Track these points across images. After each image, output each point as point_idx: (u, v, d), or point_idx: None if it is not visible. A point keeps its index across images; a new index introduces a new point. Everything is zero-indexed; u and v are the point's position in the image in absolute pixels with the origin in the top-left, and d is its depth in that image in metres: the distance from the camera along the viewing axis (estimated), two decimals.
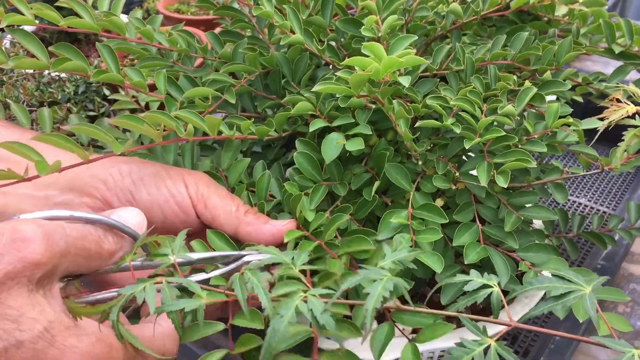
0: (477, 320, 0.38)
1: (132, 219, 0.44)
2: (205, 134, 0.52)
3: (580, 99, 0.66)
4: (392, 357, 0.55)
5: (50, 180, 0.46)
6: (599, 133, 0.52)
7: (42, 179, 0.46)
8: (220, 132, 0.53)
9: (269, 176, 0.55)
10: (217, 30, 1.09)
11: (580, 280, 0.38)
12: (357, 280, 0.36)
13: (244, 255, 0.48)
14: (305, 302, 0.35)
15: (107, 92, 0.94)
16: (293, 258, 0.41)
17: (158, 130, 0.46)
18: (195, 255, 0.46)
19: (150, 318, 0.41)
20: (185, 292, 0.40)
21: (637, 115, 0.52)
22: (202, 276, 0.46)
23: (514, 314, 0.58)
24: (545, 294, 0.57)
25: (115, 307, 0.36)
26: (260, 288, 0.37)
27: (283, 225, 0.50)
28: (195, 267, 0.47)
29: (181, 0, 1.30)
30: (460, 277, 0.40)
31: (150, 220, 0.49)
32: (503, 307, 0.39)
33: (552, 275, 0.39)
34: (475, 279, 0.39)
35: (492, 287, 0.39)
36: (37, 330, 0.34)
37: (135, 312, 0.46)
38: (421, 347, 0.40)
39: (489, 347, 0.36)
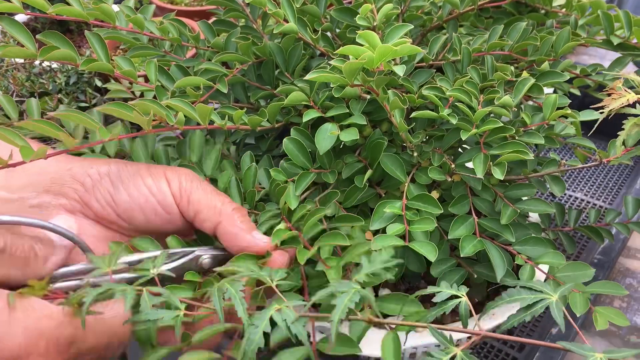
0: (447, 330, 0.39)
1: (65, 223, 0.44)
2: (197, 124, 0.51)
3: (577, 92, 0.65)
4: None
5: (26, 182, 0.46)
6: (598, 122, 0.51)
7: (17, 181, 0.45)
8: (212, 122, 0.52)
9: (255, 168, 0.54)
10: (212, 21, 1.08)
11: (547, 289, 0.39)
12: (327, 293, 0.36)
13: (194, 251, 0.47)
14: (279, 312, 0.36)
15: (99, 82, 0.93)
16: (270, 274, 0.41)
17: (148, 118, 0.45)
18: (136, 257, 0.45)
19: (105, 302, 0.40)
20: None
21: (637, 104, 0.51)
22: (155, 271, 0.45)
23: (497, 315, 0.57)
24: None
25: (89, 294, 0.36)
26: (237, 299, 0.37)
27: (264, 243, 0.48)
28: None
29: None
30: (431, 289, 0.41)
31: (132, 221, 0.48)
32: (472, 316, 0.40)
33: (520, 287, 0.41)
34: (444, 290, 0.41)
35: (461, 297, 0.40)
36: None
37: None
38: (405, 345, 0.40)
39: (455, 356, 0.36)
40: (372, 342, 0.45)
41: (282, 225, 0.50)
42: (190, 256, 0.47)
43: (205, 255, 0.48)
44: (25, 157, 0.40)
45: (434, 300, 0.40)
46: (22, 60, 0.90)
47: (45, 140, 0.83)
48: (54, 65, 0.92)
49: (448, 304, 0.40)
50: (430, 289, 0.40)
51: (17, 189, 0.45)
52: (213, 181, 0.57)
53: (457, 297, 0.40)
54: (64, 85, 0.90)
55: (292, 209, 0.50)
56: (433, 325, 0.38)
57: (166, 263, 0.46)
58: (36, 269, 0.40)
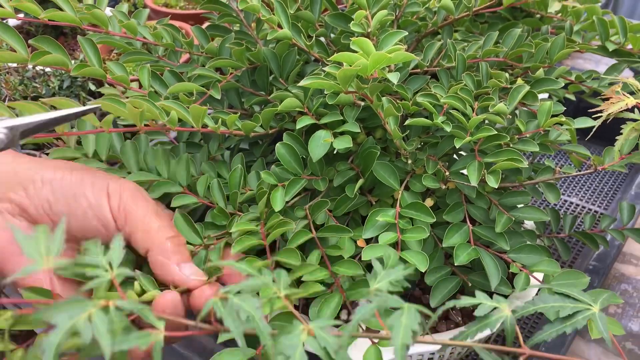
0: (491, 350, 0.35)
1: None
2: (188, 125, 0.51)
3: (572, 97, 0.65)
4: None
5: None
6: (595, 128, 0.51)
7: None
8: (205, 125, 0.51)
9: (241, 169, 0.54)
10: (206, 25, 1.08)
11: (586, 298, 0.36)
12: (371, 309, 0.32)
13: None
14: (312, 335, 0.31)
15: (92, 86, 0.92)
16: (274, 280, 0.36)
17: (140, 111, 0.45)
18: (28, 119, 0.40)
19: None
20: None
21: (636, 109, 0.51)
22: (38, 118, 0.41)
23: None
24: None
25: (50, 347, 0.27)
26: (257, 321, 0.31)
27: (193, 280, 0.45)
28: None
29: None
30: (467, 300, 0.36)
31: (69, 232, 0.45)
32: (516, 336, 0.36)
33: (557, 293, 0.37)
34: (484, 301, 0.36)
35: (504, 312, 0.36)
36: None
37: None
38: (412, 350, 0.38)
39: None
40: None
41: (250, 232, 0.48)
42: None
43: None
44: None
45: (476, 314, 0.36)
46: (15, 64, 0.90)
47: (39, 148, 0.83)
48: (48, 69, 0.92)
49: (491, 318, 0.35)
50: (465, 300, 0.36)
51: None
52: (192, 189, 0.56)
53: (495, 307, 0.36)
54: (57, 89, 0.89)
55: (277, 210, 0.50)
56: (474, 343, 0.34)
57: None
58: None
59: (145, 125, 0.48)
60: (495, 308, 0.37)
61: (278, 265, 0.48)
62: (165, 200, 0.55)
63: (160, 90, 0.58)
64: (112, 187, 0.46)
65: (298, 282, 0.49)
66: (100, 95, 0.90)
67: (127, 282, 0.45)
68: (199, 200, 0.54)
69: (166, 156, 0.56)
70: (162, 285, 0.45)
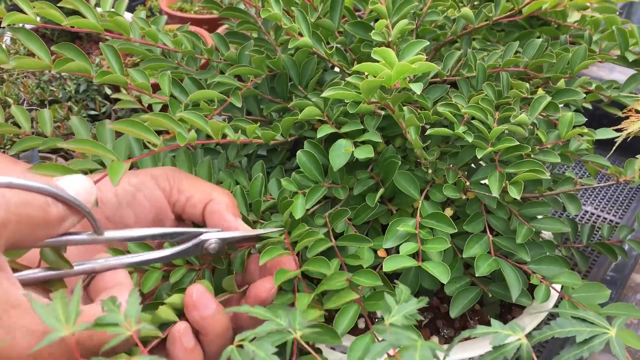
0: None
1: (79, 185, 0.39)
2: (209, 137, 0.51)
3: (589, 106, 0.65)
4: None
5: None
6: (616, 145, 0.50)
7: None
8: (224, 136, 0.51)
9: (262, 178, 0.54)
10: (221, 29, 1.08)
11: (603, 322, 0.36)
12: (385, 347, 0.33)
13: (201, 233, 0.46)
14: None
15: (108, 91, 0.93)
16: (289, 320, 0.36)
17: (160, 139, 0.45)
18: (142, 232, 0.43)
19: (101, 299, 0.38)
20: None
21: None
22: (157, 254, 0.44)
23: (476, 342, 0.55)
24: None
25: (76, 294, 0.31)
26: None
27: (241, 227, 0.48)
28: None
29: None
30: (483, 329, 0.36)
31: (121, 221, 0.47)
32: None
33: (572, 317, 0.37)
34: (499, 330, 0.36)
35: (520, 340, 0.36)
36: None
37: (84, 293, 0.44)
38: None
39: None
40: None
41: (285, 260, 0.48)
42: (196, 240, 0.46)
43: (212, 239, 0.46)
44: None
45: (491, 344, 0.36)
46: None
47: (55, 151, 0.83)
48: (64, 73, 0.92)
49: (507, 347, 0.35)
50: (481, 330, 0.36)
51: None
52: None
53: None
54: (73, 93, 0.90)
55: (297, 218, 0.50)
56: None
57: (170, 248, 0.45)
58: (48, 232, 0.37)
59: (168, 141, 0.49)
60: (510, 336, 0.36)
61: (304, 275, 0.48)
62: None
63: (180, 97, 0.58)
64: (155, 171, 0.49)
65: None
66: (116, 100, 0.90)
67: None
68: None
69: (190, 162, 0.56)
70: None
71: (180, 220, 0.50)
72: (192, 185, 0.49)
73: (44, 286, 0.40)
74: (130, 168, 0.60)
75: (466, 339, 0.54)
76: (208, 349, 0.43)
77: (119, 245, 0.46)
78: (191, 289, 0.43)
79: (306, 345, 0.35)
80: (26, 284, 0.38)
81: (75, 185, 0.39)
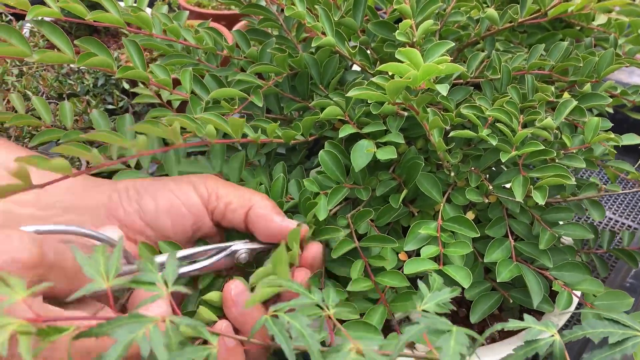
0: None
1: (114, 234, 0.44)
2: (227, 136, 0.51)
3: (611, 110, 0.64)
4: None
5: (53, 200, 0.46)
6: None
7: (44, 200, 0.46)
8: (245, 135, 0.51)
9: (284, 179, 0.54)
10: (241, 25, 1.08)
11: (635, 324, 0.36)
12: (420, 329, 0.32)
13: (230, 246, 0.47)
14: (362, 355, 0.31)
15: (126, 85, 0.93)
16: (323, 299, 0.36)
17: (179, 134, 0.45)
18: (177, 254, 0.44)
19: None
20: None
21: None
22: (190, 267, 0.45)
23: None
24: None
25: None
26: (308, 339, 0.31)
27: (295, 225, 0.48)
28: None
29: None
30: (515, 323, 0.36)
31: (159, 228, 0.48)
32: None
33: (605, 318, 0.36)
34: (533, 325, 0.36)
35: (554, 337, 0.36)
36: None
37: (122, 308, 0.45)
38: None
39: None
40: None
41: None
42: (227, 252, 0.46)
43: (242, 249, 0.47)
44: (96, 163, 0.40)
45: (525, 338, 0.35)
46: None
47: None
48: (82, 67, 0.92)
49: (540, 342, 0.35)
50: (513, 324, 0.36)
51: (46, 207, 0.46)
52: None
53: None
54: (91, 87, 0.90)
55: (321, 219, 0.50)
56: None
57: (202, 260, 0.46)
58: (84, 280, 0.39)
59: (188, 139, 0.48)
60: (543, 331, 0.36)
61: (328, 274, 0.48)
62: None
63: (201, 93, 0.58)
64: (194, 178, 0.50)
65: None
66: (135, 94, 0.90)
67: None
68: None
69: (222, 155, 0.56)
70: (265, 243, 0.49)
71: (218, 226, 0.50)
72: (230, 192, 0.49)
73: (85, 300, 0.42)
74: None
75: (488, 343, 0.54)
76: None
77: None
78: (229, 285, 0.43)
79: (338, 323, 0.35)
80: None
81: (111, 234, 0.43)
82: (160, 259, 0.45)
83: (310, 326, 0.32)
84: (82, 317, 0.33)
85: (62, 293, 0.38)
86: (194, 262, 0.47)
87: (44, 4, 0.53)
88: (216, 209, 0.49)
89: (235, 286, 0.43)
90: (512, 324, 0.36)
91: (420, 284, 0.37)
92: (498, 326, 0.36)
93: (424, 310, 0.36)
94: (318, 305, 0.35)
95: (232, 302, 0.43)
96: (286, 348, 0.31)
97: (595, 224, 0.90)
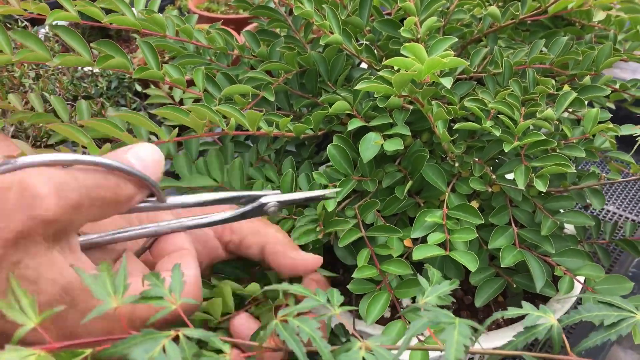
0: (539, 358, 0.36)
1: (148, 156, 0.39)
2: (243, 129, 0.53)
3: (612, 106, 0.66)
4: None
5: None
6: (639, 143, 0.51)
7: None
8: (259, 128, 0.53)
9: (292, 174, 0.56)
10: (250, 27, 1.10)
11: (629, 306, 0.37)
12: (425, 323, 0.34)
13: (261, 196, 0.45)
14: (371, 352, 0.32)
15: (138, 87, 0.95)
16: (328, 299, 0.38)
17: (203, 122, 0.47)
18: (203, 197, 0.43)
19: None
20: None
21: None
22: (218, 216, 0.44)
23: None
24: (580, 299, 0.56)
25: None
26: (318, 341, 0.33)
27: (309, 259, 0.47)
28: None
29: None
30: (513, 310, 0.37)
31: None
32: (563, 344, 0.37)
33: (599, 301, 0.38)
34: (531, 312, 0.37)
35: (551, 321, 0.37)
36: (56, 291, 0.33)
37: (144, 251, 0.45)
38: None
39: None
40: None
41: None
42: (256, 203, 0.45)
43: (272, 202, 0.46)
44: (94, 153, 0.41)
45: (524, 324, 0.37)
46: None
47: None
48: (96, 70, 0.95)
49: (538, 328, 0.36)
50: (512, 311, 0.37)
51: None
52: None
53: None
54: (105, 90, 0.92)
55: (330, 210, 0.51)
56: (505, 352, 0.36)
57: (230, 211, 0.46)
58: (118, 209, 0.38)
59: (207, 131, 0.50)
60: (541, 317, 0.38)
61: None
62: None
63: (213, 92, 0.60)
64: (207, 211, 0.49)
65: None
66: (147, 96, 0.93)
67: None
68: None
69: (221, 160, 0.58)
70: (295, 198, 0.48)
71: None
72: (243, 226, 0.49)
73: (107, 247, 0.41)
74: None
75: (493, 329, 0.56)
76: None
77: (183, 212, 0.45)
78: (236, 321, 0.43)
79: (347, 323, 0.37)
80: (92, 247, 0.40)
81: (145, 157, 0.39)
82: (194, 199, 0.43)
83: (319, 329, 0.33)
84: (98, 339, 0.32)
85: (95, 220, 0.37)
86: (223, 212, 0.46)
87: (61, 7, 0.56)
88: (230, 243, 0.49)
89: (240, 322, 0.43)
90: (512, 311, 0.38)
91: (421, 279, 0.39)
92: (498, 314, 0.38)
93: (425, 304, 0.38)
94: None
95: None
96: (298, 352, 0.33)
97: (599, 217, 0.92)
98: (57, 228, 0.33)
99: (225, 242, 0.49)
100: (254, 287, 0.46)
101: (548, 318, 0.37)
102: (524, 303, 0.38)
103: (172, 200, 0.41)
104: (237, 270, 0.52)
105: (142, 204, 0.40)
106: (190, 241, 0.43)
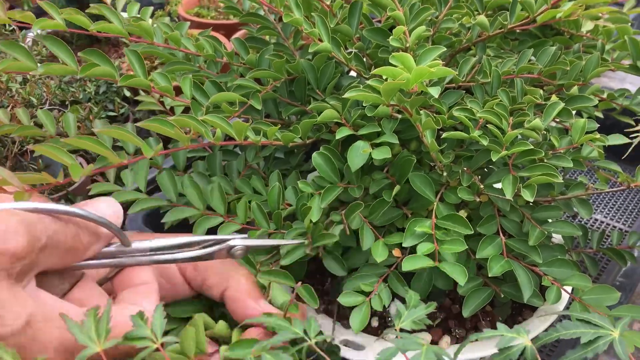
0: None
1: (109, 208, 0.42)
2: (231, 138, 0.53)
3: (601, 115, 0.66)
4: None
5: None
6: (629, 151, 0.52)
7: None
8: (246, 138, 0.53)
9: (279, 187, 0.56)
10: (240, 34, 1.10)
11: (604, 323, 0.38)
12: (394, 352, 0.35)
13: (228, 240, 0.47)
14: None
15: (127, 93, 0.95)
16: (304, 330, 0.39)
17: (188, 135, 0.46)
18: (169, 241, 0.44)
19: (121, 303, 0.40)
20: None
21: None
22: (185, 254, 0.45)
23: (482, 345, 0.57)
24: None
25: None
26: None
27: (267, 310, 0.46)
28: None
29: (201, 4, 1.31)
30: (489, 333, 0.39)
31: None
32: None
33: (577, 319, 0.39)
34: (505, 333, 0.39)
35: (524, 343, 0.39)
36: (19, 325, 0.34)
37: (106, 281, 0.45)
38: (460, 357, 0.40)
39: None
40: None
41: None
42: (223, 245, 0.47)
43: (239, 245, 0.47)
44: (75, 175, 0.41)
45: (497, 346, 0.38)
46: None
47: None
48: None
49: (512, 350, 0.38)
50: (488, 334, 0.39)
51: None
52: (232, 214, 0.58)
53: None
54: (93, 95, 0.92)
55: (314, 220, 0.51)
56: None
57: (197, 249, 0.46)
58: (76, 258, 0.40)
59: (192, 141, 0.50)
60: (515, 339, 0.39)
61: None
62: None
63: (201, 99, 0.60)
64: None
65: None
66: (136, 102, 0.92)
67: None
68: (241, 225, 0.55)
69: (198, 188, 0.57)
70: (262, 244, 0.49)
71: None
72: (208, 266, 0.49)
73: (65, 271, 0.42)
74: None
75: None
76: None
77: None
78: None
79: (320, 352, 0.38)
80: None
81: (105, 209, 0.41)
82: (163, 242, 0.45)
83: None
84: None
85: (54, 267, 0.38)
86: (190, 250, 0.46)
87: (46, 14, 0.55)
88: (193, 281, 0.49)
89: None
90: (487, 333, 0.39)
91: (398, 304, 0.40)
92: (473, 337, 0.40)
93: (401, 329, 0.39)
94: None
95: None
96: None
97: (587, 226, 0.92)
98: (23, 265, 0.35)
99: (188, 280, 0.49)
100: (222, 327, 0.46)
101: (522, 339, 0.38)
102: (499, 325, 0.39)
103: (137, 245, 0.43)
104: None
105: (107, 248, 0.42)
106: (155, 275, 0.45)
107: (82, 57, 0.55)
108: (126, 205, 0.74)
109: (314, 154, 0.55)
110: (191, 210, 0.57)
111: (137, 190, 0.59)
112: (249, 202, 0.56)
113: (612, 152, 0.63)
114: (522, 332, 0.39)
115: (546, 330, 0.58)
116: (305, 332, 0.39)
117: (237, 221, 0.56)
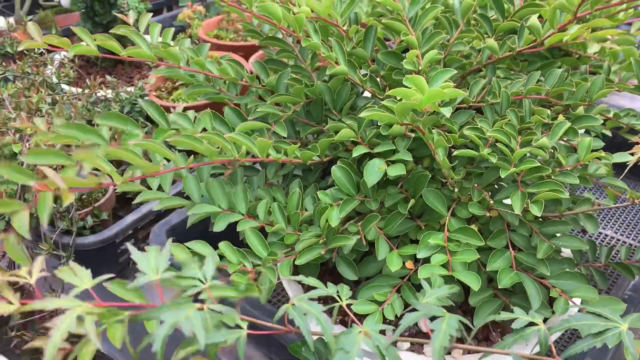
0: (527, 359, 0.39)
1: None
2: (253, 155, 0.56)
3: (608, 133, 0.68)
4: None
5: None
6: (628, 168, 0.54)
7: None
8: (268, 155, 0.56)
9: (299, 193, 0.59)
10: (258, 55, 1.14)
11: (614, 317, 0.40)
12: (419, 315, 0.37)
13: None
14: (367, 336, 0.37)
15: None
16: (337, 291, 0.42)
17: (216, 149, 0.49)
18: None
19: None
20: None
21: None
22: None
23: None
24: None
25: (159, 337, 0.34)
26: (322, 322, 0.37)
27: None
28: None
29: (220, 26, 1.35)
30: (506, 315, 0.40)
31: None
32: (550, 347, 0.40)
33: (588, 312, 0.41)
34: (521, 316, 0.40)
35: (539, 326, 0.40)
36: None
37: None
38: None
39: None
40: None
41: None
42: None
43: None
44: (117, 179, 0.44)
45: (513, 326, 0.40)
46: (80, 90, 0.96)
47: None
48: (109, 95, 0.98)
49: (526, 331, 0.40)
50: (504, 315, 0.41)
51: None
52: (252, 215, 0.61)
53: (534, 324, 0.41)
54: None
55: (333, 226, 0.54)
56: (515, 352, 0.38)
57: None
58: None
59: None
60: (531, 322, 0.41)
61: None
62: None
63: (221, 129, 0.62)
64: None
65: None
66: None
67: None
68: (259, 224, 0.58)
69: (223, 189, 0.61)
70: None
71: None
72: None
73: None
74: (173, 182, 0.64)
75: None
76: None
77: None
78: None
79: (349, 312, 0.41)
80: None
81: None
82: None
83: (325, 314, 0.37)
84: (135, 304, 0.37)
85: None
86: None
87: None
88: None
89: None
90: (504, 315, 0.41)
91: (424, 283, 0.42)
92: (490, 317, 0.42)
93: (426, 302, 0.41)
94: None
95: None
96: (303, 327, 0.37)
97: (597, 241, 0.94)
98: None
99: None
100: None
101: (537, 322, 0.40)
102: (515, 308, 0.41)
103: None
104: None
105: None
106: None
107: (97, 122, 0.57)
108: (151, 220, 0.77)
109: (333, 167, 0.58)
110: (212, 207, 0.60)
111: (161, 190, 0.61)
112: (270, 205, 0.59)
113: (622, 169, 0.65)
114: (537, 317, 0.41)
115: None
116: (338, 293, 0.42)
117: (258, 221, 0.59)
